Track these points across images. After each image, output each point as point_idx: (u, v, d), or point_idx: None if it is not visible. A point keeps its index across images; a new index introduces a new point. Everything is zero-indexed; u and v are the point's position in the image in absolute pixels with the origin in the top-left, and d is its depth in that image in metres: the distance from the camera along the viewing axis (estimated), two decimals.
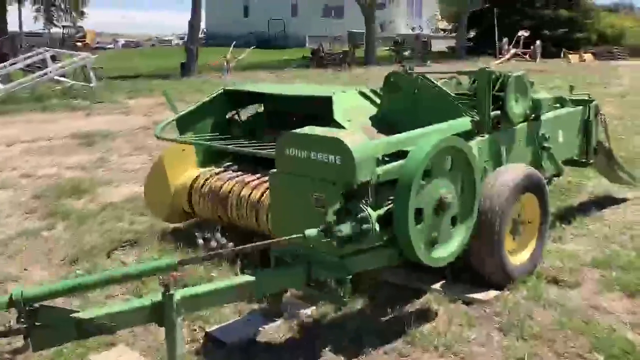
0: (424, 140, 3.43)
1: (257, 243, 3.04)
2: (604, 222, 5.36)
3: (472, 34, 34.32)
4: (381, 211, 3.34)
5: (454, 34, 35.55)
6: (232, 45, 20.94)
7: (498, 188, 3.91)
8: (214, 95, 5.37)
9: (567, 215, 5.39)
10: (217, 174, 5.07)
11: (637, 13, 40.42)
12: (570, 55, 28.96)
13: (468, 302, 3.89)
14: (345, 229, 3.16)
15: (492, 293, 3.97)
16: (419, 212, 3.33)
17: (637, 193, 6.12)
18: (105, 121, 11.93)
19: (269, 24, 43.70)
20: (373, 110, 4.61)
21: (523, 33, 29.55)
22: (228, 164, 5.35)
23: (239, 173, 5.00)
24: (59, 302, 2.99)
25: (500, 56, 28.61)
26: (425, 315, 3.71)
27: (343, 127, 4.22)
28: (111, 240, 5.18)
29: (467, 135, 4.02)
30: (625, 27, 34.20)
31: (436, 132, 3.77)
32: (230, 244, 4.61)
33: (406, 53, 25.37)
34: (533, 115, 4.51)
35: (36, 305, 2.54)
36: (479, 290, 3.98)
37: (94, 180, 7.25)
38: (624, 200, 5.97)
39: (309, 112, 5.25)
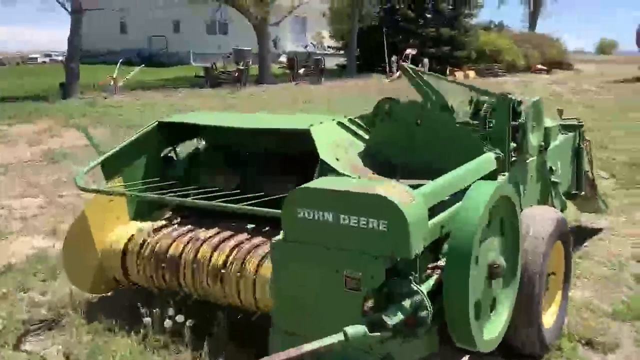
0: (477, 189, 2.65)
1: (291, 353, 2.10)
2: (594, 258, 4.90)
3: (359, 51, 34.52)
4: (428, 287, 2.53)
5: (341, 52, 35.55)
6: (118, 63, 19.31)
7: (532, 241, 3.22)
8: (147, 129, 4.29)
9: None
10: (157, 230, 4.01)
11: (507, 31, 42.64)
12: (455, 73, 29.80)
13: None
14: (395, 318, 2.32)
15: None
16: None
17: (608, 220, 5.75)
18: None
19: (150, 41, 41.69)
20: (359, 145, 3.78)
21: (411, 51, 30.03)
22: (168, 215, 4.30)
23: (188, 228, 3.97)
24: None
25: (391, 74, 28.86)
26: None
27: (334, 169, 3.36)
28: (18, 321, 3.95)
29: (492, 176, 3.31)
30: (501, 45, 35.84)
31: (469, 174, 3.02)
32: (190, 321, 3.59)
33: (301, 71, 24.82)
34: (543, 146, 3.89)
35: None
36: None
37: None
38: (599, 230, 5.56)
39: (271, 148, 4.34)
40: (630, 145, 9.19)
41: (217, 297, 3.64)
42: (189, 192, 4.06)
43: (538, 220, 3.34)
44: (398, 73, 28.59)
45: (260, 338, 3.59)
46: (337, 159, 3.50)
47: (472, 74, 30.99)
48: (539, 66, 36.14)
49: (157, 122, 4.33)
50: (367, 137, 3.85)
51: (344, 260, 2.42)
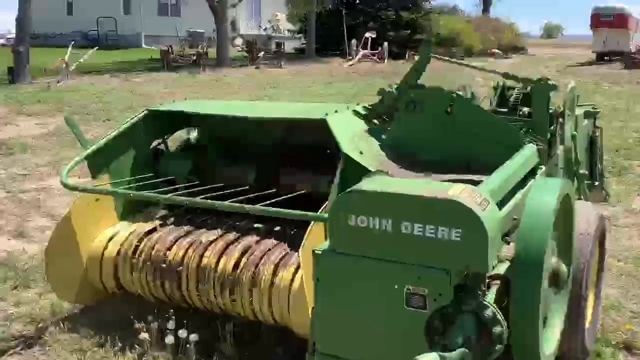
0: (540, 190, 2.34)
1: None
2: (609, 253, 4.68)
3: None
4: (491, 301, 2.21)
5: (299, 35, 34.96)
6: (70, 46, 18.33)
7: (579, 240, 2.94)
8: (134, 119, 3.84)
9: None
10: (150, 231, 3.58)
11: (461, 15, 42.77)
12: (415, 57, 29.66)
13: None
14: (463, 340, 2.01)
15: None
16: None
17: (611, 210, 5.58)
18: None
19: (98, 22, 40.16)
20: (379, 137, 3.44)
21: (370, 34, 29.76)
22: (160, 213, 3.88)
23: (186, 229, 3.56)
24: None
25: (350, 57, 28.52)
26: None
27: (361, 164, 3.01)
28: None
29: (534, 170, 3.01)
30: (459, 29, 35.82)
31: (520, 170, 2.71)
32: (194, 335, 3.20)
33: (260, 55, 24.19)
34: (575, 136, 3.62)
35: None
36: None
37: None
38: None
39: (275, 140, 3.96)
40: (611, 132, 9.10)
41: (226, 308, 3.25)
42: (183, 189, 3.66)
43: (582, 216, 3.07)
44: (358, 57, 28.33)
45: (269, 351, 3.25)
46: (361, 153, 3.14)
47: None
48: (496, 50, 36.34)
49: (145, 112, 3.88)
50: (385, 127, 3.51)
51: (405, 274, 2.08)
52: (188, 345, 3.19)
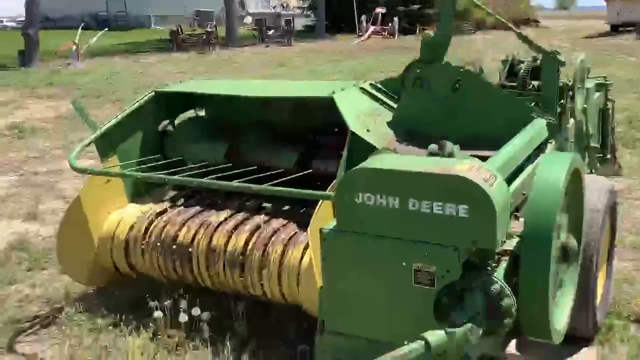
0: (549, 165, 2.32)
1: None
2: (620, 225, 4.65)
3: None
4: (500, 276, 2.21)
5: (309, 12, 34.69)
6: (80, 28, 18.32)
7: (590, 214, 2.92)
8: (141, 101, 3.84)
9: None
10: (161, 213, 3.60)
11: None
12: (426, 31, 29.33)
13: None
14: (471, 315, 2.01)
15: (591, 355, 3.01)
16: None
17: (624, 182, 5.53)
18: None
19: (107, 4, 40.12)
20: (386, 114, 3.41)
21: (380, 10, 29.45)
22: (169, 195, 3.89)
23: (196, 210, 3.58)
24: None
25: (360, 34, 28.28)
26: None
27: (368, 142, 3.00)
28: (10, 320, 3.54)
29: (544, 144, 2.99)
30: (468, 2, 35.34)
31: (529, 144, 2.69)
32: (207, 314, 3.23)
33: (270, 33, 24.04)
34: (586, 109, 3.57)
35: None
36: (566, 349, 2.99)
37: None
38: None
39: (279, 120, 3.94)
40: (624, 103, 8.98)
41: (236, 288, 3.28)
42: (193, 169, 3.67)
43: (592, 190, 3.04)
44: (368, 33, 28.08)
45: (280, 329, 3.28)
46: (368, 130, 3.13)
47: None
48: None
49: (153, 92, 3.88)
50: (393, 104, 3.48)
51: (413, 252, 2.08)
52: (201, 324, 3.22)
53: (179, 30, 21.61)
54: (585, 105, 3.47)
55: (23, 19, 20.20)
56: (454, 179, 1.98)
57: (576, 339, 3.05)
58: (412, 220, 2.05)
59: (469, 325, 1.97)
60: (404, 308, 2.13)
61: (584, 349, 3.02)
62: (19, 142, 8.06)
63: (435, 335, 1.89)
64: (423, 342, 1.86)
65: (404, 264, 2.09)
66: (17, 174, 6.61)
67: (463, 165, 2.04)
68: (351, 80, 4.03)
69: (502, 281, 2.09)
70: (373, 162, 2.17)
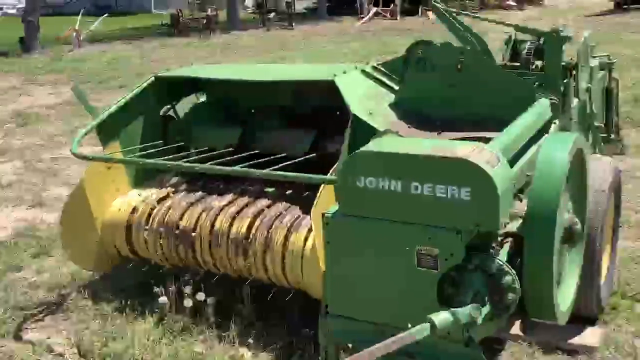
0: (552, 145, 2.31)
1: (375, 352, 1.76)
2: (626, 204, 4.63)
3: None
4: (503, 258, 2.21)
5: None
6: (80, 14, 18.22)
7: (594, 194, 2.91)
8: (142, 86, 3.82)
9: None
10: (163, 198, 3.60)
11: None
12: (428, 13, 29.07)
13: (570, 351, 2.91)
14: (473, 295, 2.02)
15: (595, 334, 3.01)
16: None
17: (630, 162, 5.51)
18: None
19: None
20: (389, 96, 3.39)
21: None
22: (172, 180, 3.89)
23: (199, 195, 3.58)
24: None
25: (362, 15, 28.06)
26: None
27: (370, 125, 2.99)
28: (16, 307, 3.56)
29: (548, 124, 2.97)
30: None
31: (533, 125, 2.68)
32: (212, 298, 3.25)
33: (271, 16, 23.89)
34: (590, 89, 3.55)
35: None
36: (571, 329, 3.00)
37: None
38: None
39: (281, 103, 3.92)
40: (630, 82, 8.90)
41: (240, 272, 3.28)
42: (195, 155, 3.67)
43: (596, 171, 3.03)
44: (369, 15, 27.86)
45: (284, 312, 3.29)
46: (370, 113, 3.11)
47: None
48: (510, 2, 35.50)
49: (153, 77, 3.86)
50: (395, 86, 3.46)
51: (416, 235, 2.08)
52: (206, 308, 3.24)
53: (180, 14, 21.46)
54: (589, 85, 3.45)
55: (24, 5, 20.09)
56: (456, 161, 1.97)
57: (581, 318, 3.06)
58: (414, 204, 2.05)
59: (474, 304, 1.98)
60: (407, 291, 2.14)
61: (589, 329, 3.03)
62: (22, 129, 8.06)
63: (440, 317, 1.89)
64: (428, 324, 1.87)
65: (407, 247, 2.09)
66: (22, 161, 6.61)
67: (465, 147, 2.03)
68: (355, 62, 4.01)
69: (500, 259, 2.10)
70: (375, 145, 2.16)
